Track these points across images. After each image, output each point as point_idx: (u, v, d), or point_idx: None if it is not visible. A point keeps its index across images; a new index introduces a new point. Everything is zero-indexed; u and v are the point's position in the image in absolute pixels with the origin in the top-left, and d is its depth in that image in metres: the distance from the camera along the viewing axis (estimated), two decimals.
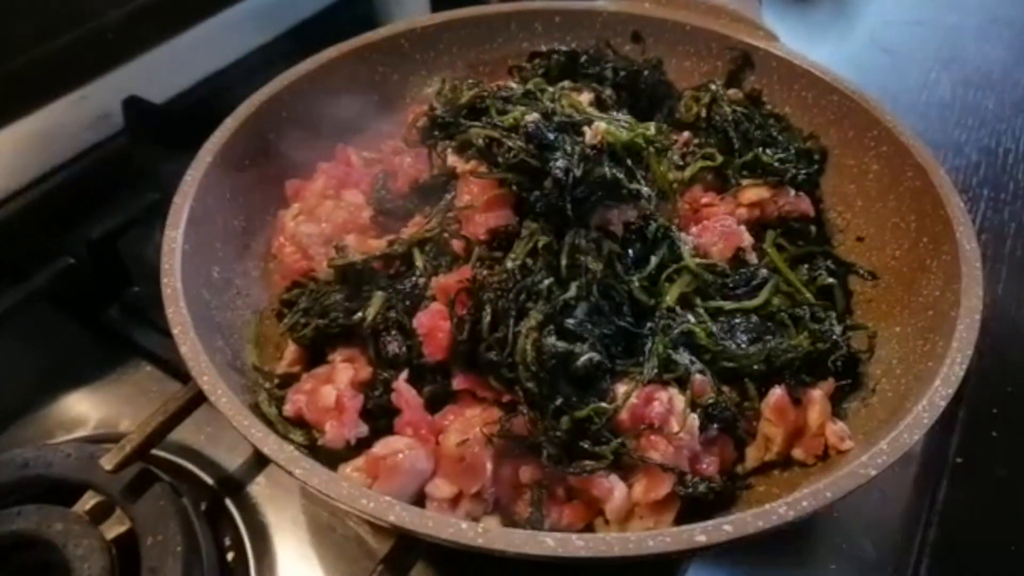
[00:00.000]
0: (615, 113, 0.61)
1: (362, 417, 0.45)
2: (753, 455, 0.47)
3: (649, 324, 0.47)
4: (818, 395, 0.47)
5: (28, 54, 0.77)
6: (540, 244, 0.45)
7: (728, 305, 0.50)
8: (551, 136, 0.47)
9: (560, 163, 0.45)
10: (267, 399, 0.47)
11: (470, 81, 0.56)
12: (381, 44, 0.68)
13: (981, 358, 0.64)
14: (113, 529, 0.49)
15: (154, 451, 0.52)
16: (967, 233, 0.49)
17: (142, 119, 0.81)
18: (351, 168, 0.64)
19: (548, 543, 0.34)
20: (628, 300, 0.47)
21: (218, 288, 0.53)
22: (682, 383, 0.45)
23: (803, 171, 0.60)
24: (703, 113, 0.63)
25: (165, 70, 0.87)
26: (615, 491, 0.41)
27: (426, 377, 0.46)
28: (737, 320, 0.49)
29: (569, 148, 0.47)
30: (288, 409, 0.46)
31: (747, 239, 0.54)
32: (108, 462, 0.48)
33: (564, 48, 0.68)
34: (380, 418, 0.46)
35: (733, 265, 0.53)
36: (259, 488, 0.54)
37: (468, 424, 0.43)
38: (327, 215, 0.58)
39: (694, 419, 0.44)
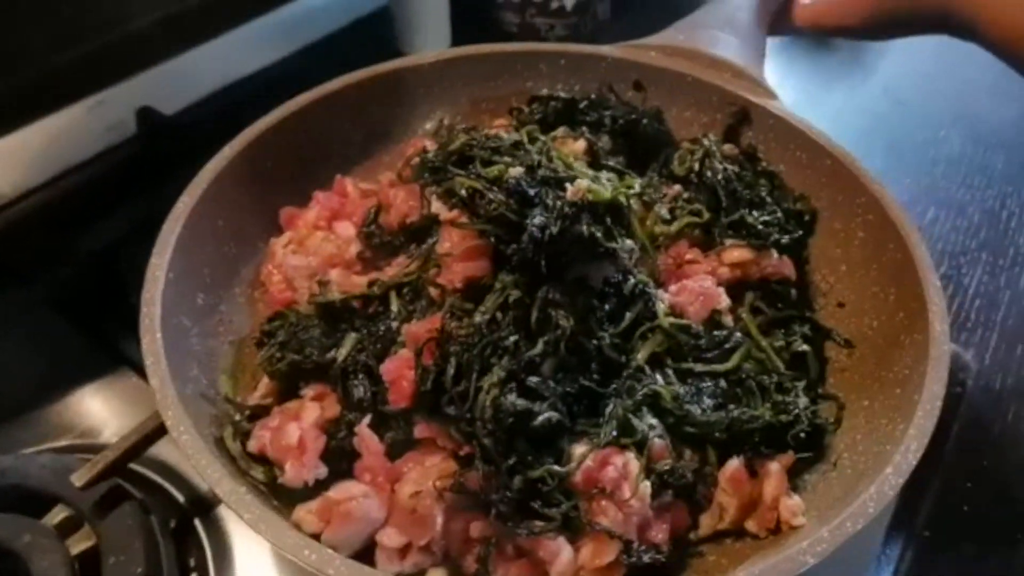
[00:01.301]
0: (609, 161, 0.62)
1: (323, 458, 0.46)
2: (707, 523, 0.47)
3: (614, 384, 0.47)
4: (775, 469, 0.47)
5: (51, 59, 0.79)
6: (511, 299, 0.46)
7: (698, 367, 0.50)
8: (532, 192, 0.48)
9: (537, 220, 0.45)
10: (232, 433, 0.48)
11: (463, 127, 0.57)
12: (386, 77, 0.69)
13: (961, 428, 0.65)
14: (79, 544, 0.50)
15: (131, 465, 0.54)
16: (939, 314, 0.49)
17: (153, 129, 0.83)
18: (346, 199, 0.64)
19: None
20: (598, 357, 0.47)
21: (201, 314, 0.54)
22: (640, 447, 0.45)
23: (788, 235, 0.60)
24: (695, 167, 0.63)
25: (181, 80, 0.89)
26: (561, 554, 0.42)
27: (390, 423, 0.47)
28: (706, 383, 0.49)
29: (550, 203, 0.47)
30: (252, 445, 0.47)
31: (724, 301, 0.54)
32: (79, 479, 0.49)
33: (564, 95, 0.68)
34: (341, 460, 0.46)
35: (708, 326, 0.52)
36: (228, 511, 0.55)
37: (426, 474, 0.44)
38: (316, 247, 0.59)
39: (647, 486, 0.44)
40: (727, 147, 0.65)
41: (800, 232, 0.61)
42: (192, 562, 0.54)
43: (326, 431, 0.47)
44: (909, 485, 0.58)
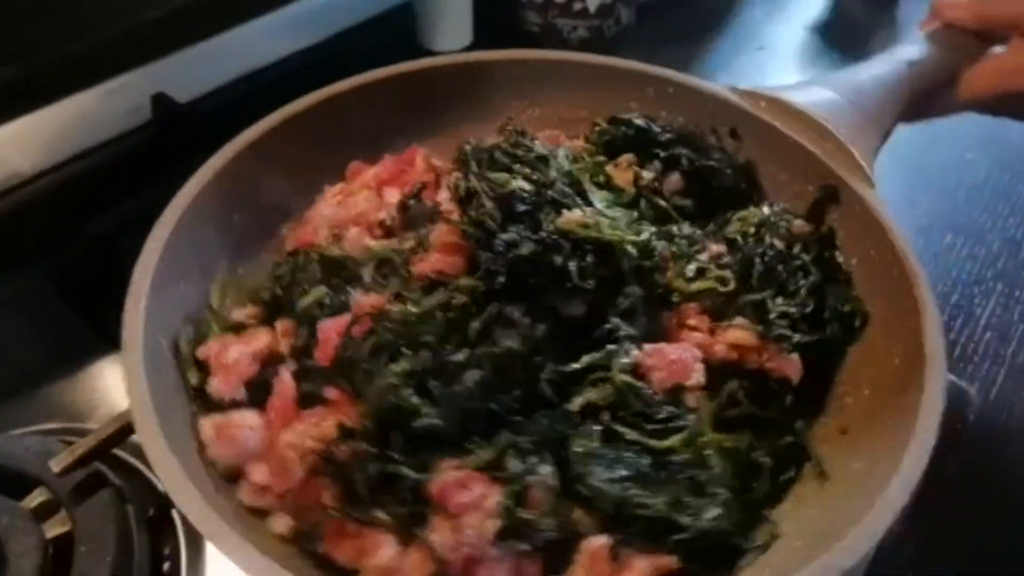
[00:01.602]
0: (665, 201, 0.60)
1: (250, 385, 0.49)
2: None
3: (520, 417, 0.45)
4: (640, 566, 0.43)
5: (73, 41, 0.80)
6: (455, 302, 0.46)
7: (630, 435, 0.47)
8: (522, 208, 0.48)
9: (507, 236, 0.45)
10: (188, 339, 0.51)
11: (513, 129, 0.58)
12: (478, 66, 0.69)
13: (959, 466, 0.63)
14: (55, 528, 0.51)
15: (116, 451, 0.55)
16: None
17: (167, 116, 0.84)
18: (410, 168, 0.64)
19: None
20: (527, 387, 0.46)
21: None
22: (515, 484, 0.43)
23: (805, 335, 0.53)
24: (748, 232, 0.58)
25: (200, 68, 0.90)
26: (381, 549, 0.42)
27: (312, 376, 0.48)
28: (628, 454, 0.46)
29: (542, 224, 0.48)
30: (201, 351, 0.50)
31: (695, 378, 0.49)
32: (57, 464, 0.50)
33: (639, 121, 0.64)
34: (264, 393, 0.48)
35: (667, 398, 0.48)
36: None
37: (311, 431, 0.45)
38: (355, 203, 0.61)
39: (494, 525, 0.42)
40: (798, 223, 0.58)
41: (825, 335, 0.54)
42: (167, 551, 0.54)
43: (264, 363, 0.50)
44: (895, 522, 0.58)
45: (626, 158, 0.62)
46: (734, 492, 0.47)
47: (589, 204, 0.53)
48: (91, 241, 0.75)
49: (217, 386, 0.49)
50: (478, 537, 0.42)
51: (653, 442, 0.46)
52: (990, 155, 0.94)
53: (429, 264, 0.50)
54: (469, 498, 0.42)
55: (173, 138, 0.83)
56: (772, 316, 0.53)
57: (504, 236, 0.45)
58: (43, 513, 0.51)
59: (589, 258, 0.48)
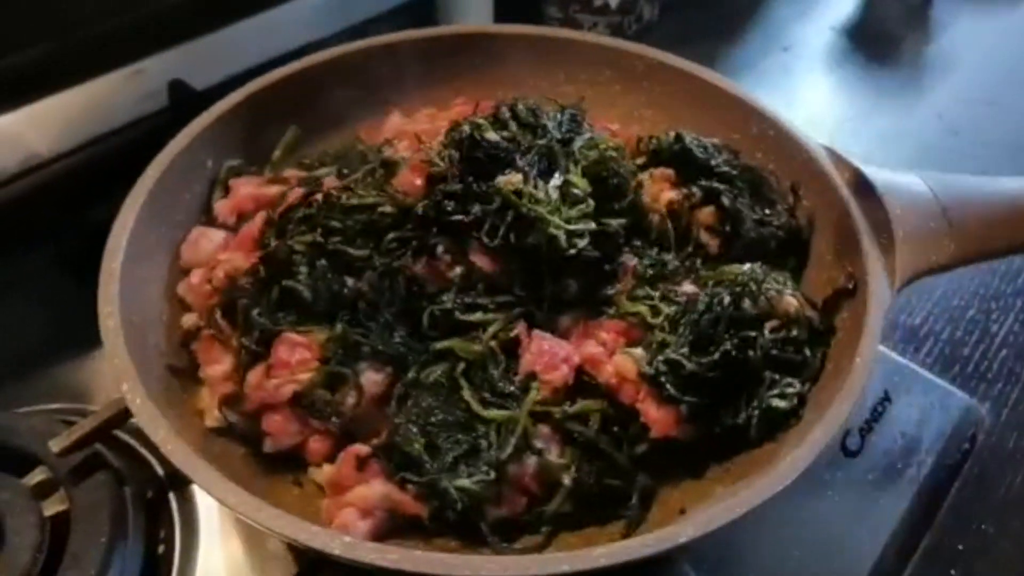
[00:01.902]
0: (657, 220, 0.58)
1: (241, 217, 0.61)
2: None
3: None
4: (376, 486, 0.48)
5: (97, 24, 0.81)
6: (385, 209, 0.54)
7: (465, 391, 0.50)
8: (479, 155, 0.52)
9: (447, 177, 0.51)
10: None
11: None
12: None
13: (963, 486, 0.62)
14: (53, 507, 0.52)
15: (117, 432, 0.55)
16: None
17: (184, 103, 0.84)
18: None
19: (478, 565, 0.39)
20: (406, 306, 0.52)
21: None
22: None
23: (693, 399, 0.50)
24: (723, 281, 0.54)
25: (220, 55, 0.90)
26: (220, 364, 0.53)
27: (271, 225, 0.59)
28: (450, 402, 0.50)
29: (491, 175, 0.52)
30: (233, 181, 0.63)
31: (553, 376, 0.50)
32: (56, 444, 0.51)
33: (694, 147, 0.62)
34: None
35: (524, 382, 0.51)
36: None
37: (242, 263, 0.56)
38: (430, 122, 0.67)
39: (291, 388, 0.50)
40: (788, 300, 0.52)
41: (724, 420, 0.51)
42: (162, 534, 0.55)
43: (261, 207, 0.60)
44: (895, 540, 0.57)
45: (662, 171, 0.61)
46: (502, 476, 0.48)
47: (547, 178, 0.53)
48: (103, 224, 0.76)
49: (221, 207, 0.62)
50: (274, 389, 0.49)
51: (476, 406, 0.49)
52: (1018, 163, 0.91)
53: (399, 179, 0.55)
54: (288, 356, 0.50)
55: (186, 124, 0.83)
56: (664, 365, 0.50)
57: (441, 171, 0.51)
58: (42, 491, 0.52)
59: (507, 220, 0.50)
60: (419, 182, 0.55)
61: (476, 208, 0.51)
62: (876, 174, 0.58)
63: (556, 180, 0.53)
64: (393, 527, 0.49)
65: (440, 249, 0.52)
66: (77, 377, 0.65)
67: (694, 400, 0.49)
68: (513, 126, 0.56)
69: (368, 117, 0.71)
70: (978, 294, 0.77)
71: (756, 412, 0.49)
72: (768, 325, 0.51)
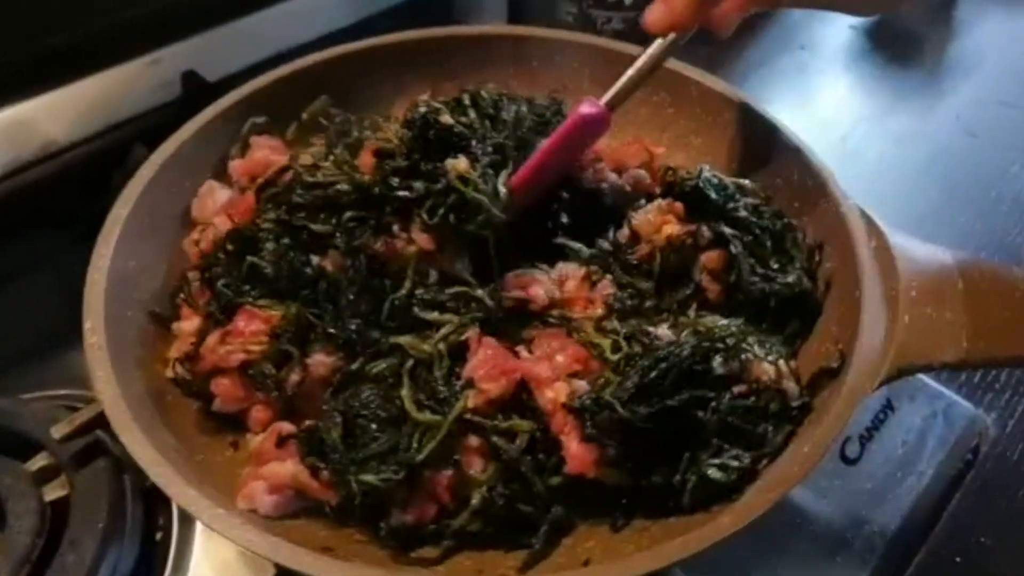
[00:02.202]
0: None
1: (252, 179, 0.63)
2: None
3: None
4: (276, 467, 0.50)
5: (115, 13, 0.82)
6: (340, 187, 0.55)
7: (404, 389, 0.50)
8: (431, 137, 0.53)
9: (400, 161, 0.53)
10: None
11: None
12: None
13: (963, 498, 0.61)
14: (53, 492, 0.53)
15: None
16: None
17: (196, 94, 0.85)
18: None
19: None
20: (366, 293, 0.53)
21: None
22: None
23: (610, 444, 0.47)
24: (698, 331, 0.50)
25: (231, 47, 0.91)
26: (189, 321, 0.57)
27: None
28: (386, 397, 0.51)
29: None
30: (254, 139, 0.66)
31: (488, 388, 0.49)
32: (58, 431, 0.52)
33: (712, 190, 0.58)
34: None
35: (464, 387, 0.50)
36: None
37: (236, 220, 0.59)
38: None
39: (239, 358, 0.52)
40: (764, 367, 0.49)
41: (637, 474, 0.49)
42: (160, 521, 0.56)
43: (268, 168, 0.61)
44: (891, 550, 0.57)
45: (669, 203, 0.58)
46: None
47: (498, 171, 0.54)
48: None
49: (235, 166, 0.64)
50: (226, 355, 0.52)
51: (410, 404, 0.49)
52: None
53: (360, 158, 0.58)
54: (244, 327, 0.53)
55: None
56: (594, 403, 0.47)
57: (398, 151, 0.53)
58: (44, 477, 0.53)
59: (449, 201, 0.51)
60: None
61: (419, 185, 0.52)
62: (904, 246, 0.54)
63: (504, 176, 0.53)
64: (301, 508, 0.50)
65: (396, 228, 0.54)
66: (82, 364, 0.65)
67: (616, 445, 0.47)
68: (472, 114, 0.56)
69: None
70: None
71: (692, 478, 0.47)
72: (735, 389, 0.48)
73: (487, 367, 0.49)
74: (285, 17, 0.94)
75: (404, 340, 0.52)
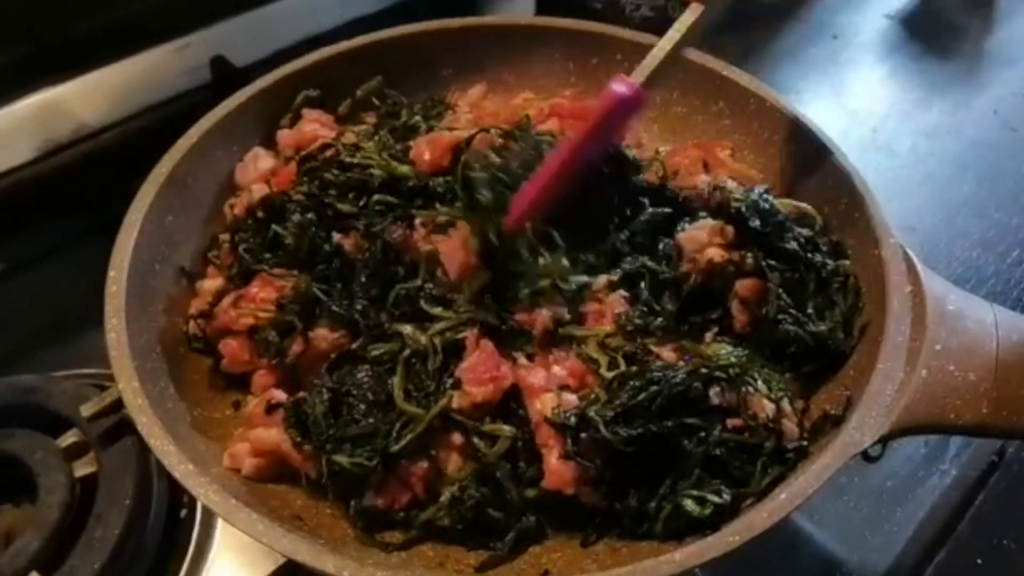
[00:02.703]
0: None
1: (299, 149, 0.64)
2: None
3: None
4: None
5: (142, 1, 0.83)
6: (376, 173, 0.57)
7: (396, 377, 0.51)
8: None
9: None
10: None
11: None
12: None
13: (987, 499, 0.60)
14: (83, 468, 0.54)
15: None
16: None
17: (225, 79, 0.86)
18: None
19: None
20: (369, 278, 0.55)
21: None
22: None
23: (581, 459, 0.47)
24: (708, 359, 0.49)
25: (259, 33, 0.91)
26: (211, 280, 0.59)
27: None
28: (378, 383, 0.52)
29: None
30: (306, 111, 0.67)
31: (475, 390, 0.48)
32: (87, 409, 0.53)
33: (760, 204, 0.55)
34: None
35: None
36: None
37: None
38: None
39: (247, 323, 0.54)
40: (767, 406, 0.47)
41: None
42: (184, 499, 0.57)
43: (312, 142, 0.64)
44: (910, 549, 0.56)
45: (719, 225, 0.55)
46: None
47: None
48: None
49: (283, 136, 0.66)
50: (236, 317, 0.55)
51: (398, 392, 0.49)
52: None
53: (417, 147, 0.59)
54: (257, 293, 0.55)
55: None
56: (578, 420, 0.47)
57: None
58: (74, 453, 0.55)
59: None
60: (427, 156, 0.57)
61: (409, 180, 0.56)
62: (941, 295, 0.50)
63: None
64: (284, 474, 0.51)
65: (418, 221, 0.55)
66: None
67: (595, 466, 0.46)
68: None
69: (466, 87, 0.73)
70: (1021, 301, 0.74)
71: (667, 506, 0.45)
72: (730, 422, 0.46)
73: (477, 371, 0.49)
74: (312, 3, 0.94)
75: (405, 329, 0.52)
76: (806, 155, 0.62)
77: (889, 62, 1.02)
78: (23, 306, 0.72)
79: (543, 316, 0.52)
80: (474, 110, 0.68)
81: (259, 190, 0.61)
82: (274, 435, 0.50)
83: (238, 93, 0.66)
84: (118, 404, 0.53)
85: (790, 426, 0.47)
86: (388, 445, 0.48)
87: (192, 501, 0.57)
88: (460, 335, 0.51)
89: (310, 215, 0.57)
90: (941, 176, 0.85)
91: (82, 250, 0.73)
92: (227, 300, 0.56)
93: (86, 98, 0.82)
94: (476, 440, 0.48)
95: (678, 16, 0.55)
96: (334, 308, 0.54)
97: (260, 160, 0.64)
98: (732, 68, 0.67)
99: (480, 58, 0.73)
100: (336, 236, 0.56)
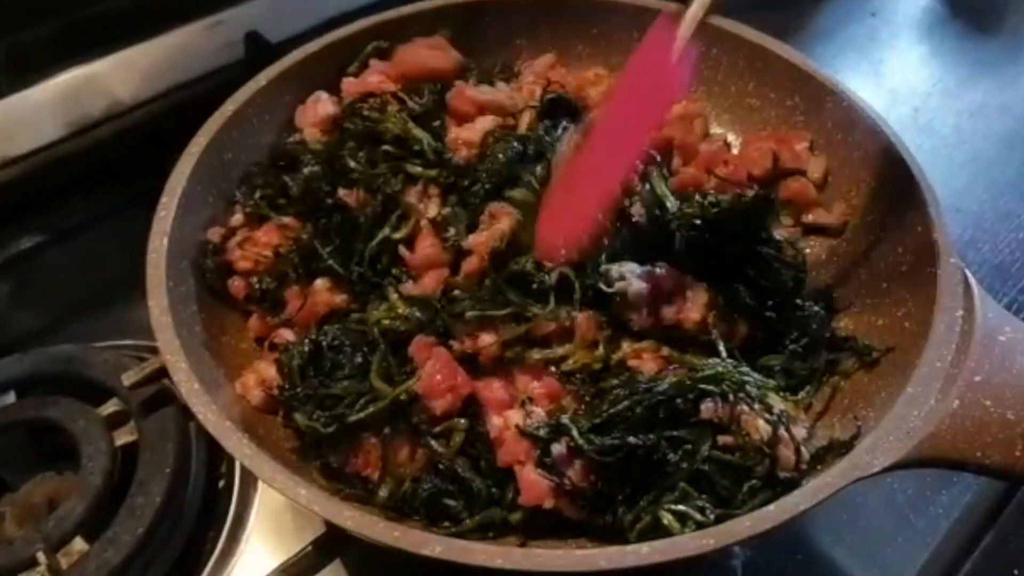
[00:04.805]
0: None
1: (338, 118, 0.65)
2: None
3: None
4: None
5: None
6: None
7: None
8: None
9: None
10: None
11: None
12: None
13: (1017, 508, 0.58)
14: (123, 437, 0.55)
15: None
16: None
17: (259, 54, 0.86)
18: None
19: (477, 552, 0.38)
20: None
21: None
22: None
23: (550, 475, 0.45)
24: (697, 373, 0.46)
25: (294, 8, 0.91)
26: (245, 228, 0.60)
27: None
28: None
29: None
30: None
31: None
32: (128, 378, 0.54)
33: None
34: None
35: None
36: None
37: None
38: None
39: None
40: (763, 428, 0.45)
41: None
42: (223, 468, 0.58)
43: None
44: (953, 534, 0.55)
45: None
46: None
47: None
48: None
49: (348, 84, 0.66)
50: (239, 258, 0.57)
51: (375, 368, 0.49)
52: None
53: (453, 132, 0.61)
54: (262, 236, 0.58)
55: None
56: (551, 430, 0.45)
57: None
58: (115, 422, 0.55)
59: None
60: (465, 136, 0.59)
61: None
62: (995, 323, 0.46)
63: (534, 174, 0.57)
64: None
65: (420, 183, 0.57)
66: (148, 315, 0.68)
67: (568, 477, 0.43)
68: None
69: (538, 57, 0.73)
70: None
71: (645, 518, 0.43)
72: (721, 439, 0.44)
73: (434, 382, 0.47)
74: None
75: (392, 296, 0.53)
76: (879, 165, 0.58)
77: (930, 40, 0.99)
78: (62, 278, 0.73)
79: (486, 340, 0.49)
80: (539, 80, 0.68)
81: (311, 134, 0.62)
82: (272, 372, 0.52)
83: (311, 43, 0.68)
84: (159, 373, 0.54)
85: (786, 454, 0.44)
86: (346, 415, 0.48)
87: (230, 472, 0.58)
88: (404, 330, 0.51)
89: (317, 167, 0.59)
90: (986, 156, 0.83)
91: (120, 223, 0.74)
92: (235, 240, 0.58)
93: (120, 75, 0.82)
94: (432, 442, 0.48)
95: None
96: (329, 263, 0.55)
97: (319, 104, 0.65)
98: (813, 64, 0.64)
99: (556, 28, 0.72)
100: (341, 192, 0.57)
